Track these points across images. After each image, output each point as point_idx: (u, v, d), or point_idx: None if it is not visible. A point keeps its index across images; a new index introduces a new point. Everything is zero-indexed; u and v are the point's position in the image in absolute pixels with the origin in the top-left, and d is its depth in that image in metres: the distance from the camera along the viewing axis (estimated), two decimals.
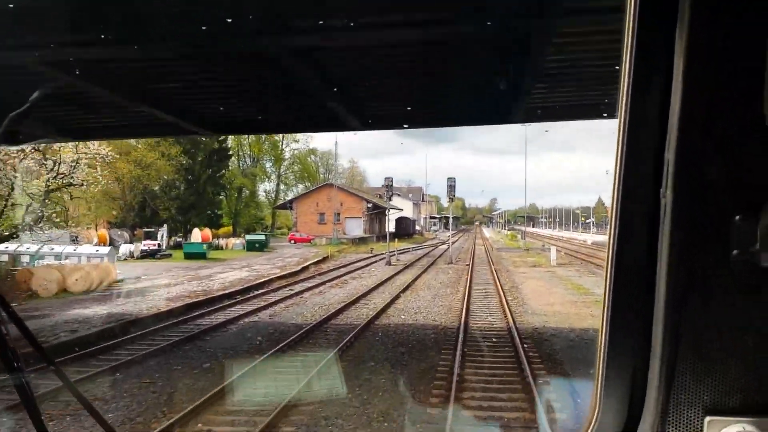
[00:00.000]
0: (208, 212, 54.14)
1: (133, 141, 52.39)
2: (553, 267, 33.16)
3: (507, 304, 18.43)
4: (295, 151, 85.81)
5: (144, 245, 38.04)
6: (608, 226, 1.03)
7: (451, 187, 34.95)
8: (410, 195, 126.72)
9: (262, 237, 46.22)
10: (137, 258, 37.74)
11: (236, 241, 48.16)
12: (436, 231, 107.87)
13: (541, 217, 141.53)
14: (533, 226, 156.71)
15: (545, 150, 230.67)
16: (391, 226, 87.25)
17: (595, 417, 1.06)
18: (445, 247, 61.55)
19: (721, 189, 0.89)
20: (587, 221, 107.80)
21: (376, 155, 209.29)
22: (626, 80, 0.93)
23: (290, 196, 77.94)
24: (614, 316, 1.01)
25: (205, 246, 37.09)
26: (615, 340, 1.01)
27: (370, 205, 67.98)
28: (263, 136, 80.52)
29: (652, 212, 0.94)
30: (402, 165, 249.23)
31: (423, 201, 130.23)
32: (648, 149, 0.94)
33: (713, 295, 0.92)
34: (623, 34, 0.92)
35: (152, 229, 39.77)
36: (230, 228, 61.09)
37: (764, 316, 0.92)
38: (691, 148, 0.89)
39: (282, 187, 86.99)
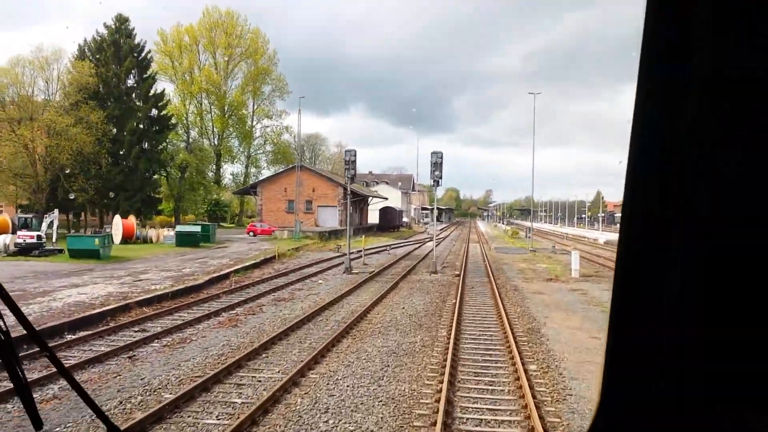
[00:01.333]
0: (143, 195, 43.98)
1: (39, 99, 42.14)
2: (578, 281, 23.48)
3: (530, 387, 8.74)
4: (267, 129, 75.70)
5: (19, 237, 27.99)
6: (618, 224, 0.98)
7: (437, 164, 24.99)
8: (399, 183, 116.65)
9: (197, 229, 36.20)
10: (10, 254, 27.76)
11: (170, 233, 38.13)
12: (426, 224, 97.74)
13: (541, 211, 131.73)
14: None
15: (541, 145, 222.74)
16: (374, 218, 77.55)
17: (595, 416, 1.03)
18: (433, 243, 51.73)
19: (734, 188, 0.86)
20: (598, 215, 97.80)
21: (371, 144, 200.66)
22: (642, 72, 0.89)
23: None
24: (621, 322, 0.97)
25: (98, 241, 27.06)
26: (620, 347, 0.98)
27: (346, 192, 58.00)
28: (227, 108, 70.38)
29: (664, 211, 0.91)
30: (396, 154, 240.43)
31: (414, 190, 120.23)
32: (661, 144, 0.91)
33: (725, 296, 0.89)
34: (641, 24, 0.88)
35: (29, 216, 29.63)
36: (178, 215, 51.02)
37: None
38: (707, 145, 0.86)
39: (253, 170, 76.86)
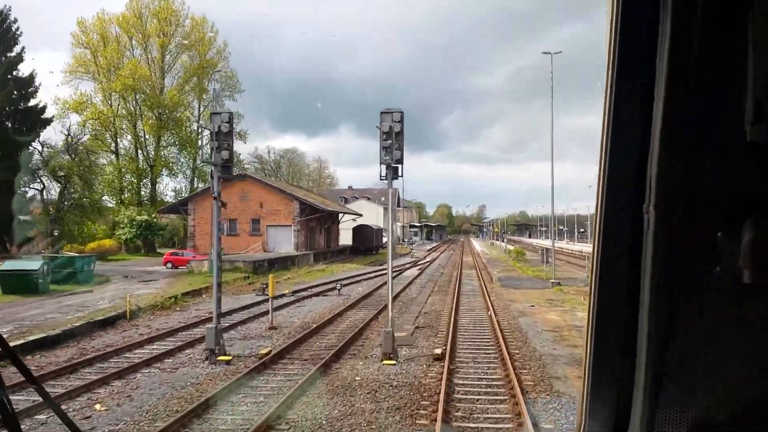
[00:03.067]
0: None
1: None
2: None
3: None
4: None
5: None
6: (591, 241, 1.05)
7: (392, 134, 12.27)
8: (383, 198, 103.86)
9: (35, 266, 23.13)
10: None
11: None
12: (412, 244, 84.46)
13: (541, 226, 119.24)
14: (530, 236, 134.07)
15: (532, 160, 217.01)
16: (346, 238, 64.81)
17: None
18: (415, 271, 38.69)
19: (703, 205, 0.91)
20: None
21: (363, 163, 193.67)
22: (608, 96, 0.96)
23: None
24: (599, 332, 1.03)
25: None
26: (600, 356, 1.03)
27: (304, 208, 45.15)
28: (163, 110, 57.76)
29: (636, 228, 0.96)
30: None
31: (400, 206, 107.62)
32: (630, 165, 0.96)
33: (697, 311, 0.94)
34: (605, 52, 0.95)
35: None
36: (56, 243, 37.94)
37: (748, 331, 0.94)
38: (672, 164, 0.91)
39: (201, 185, 63.91)
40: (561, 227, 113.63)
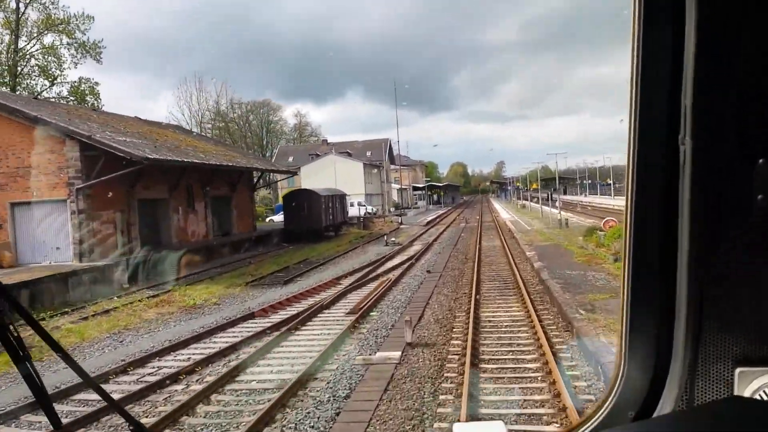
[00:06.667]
0: None
1: None
2: None
3: None
4: (47, 52, 36.90)
5: None
6: (625, 177, 0.99)
7: None
8: (369, 153, 77.07)
9: None
10: None
11: None
12: (402, 216, 56.80)
13: (585, 179, 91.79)
14: (565, 193, 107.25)
15: (547, 116, 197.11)
16: (272, 214, 38.88)
17: (621, 373, 1.02)
18: (359, 293, 12.91)
19: (741, 132, 0.86)
20: None
21: (371, 129, 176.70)
22: (637, 22, 0.90)
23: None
24: (636, 270, 0.98)
25: None
26: (637, 294, 0.98)
27: (95, 157, 19.24)
28: None
29: (672, 160, 0.91)
30: (396, 138, 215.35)
31: (395, 164, 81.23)
32: (663, 95, 0.91)
33: (737, 244, 0.89)
34: None
35: None
36: None
37: None
38: (708, 91, 0.86)
39: None
40: (608, 182, 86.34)
